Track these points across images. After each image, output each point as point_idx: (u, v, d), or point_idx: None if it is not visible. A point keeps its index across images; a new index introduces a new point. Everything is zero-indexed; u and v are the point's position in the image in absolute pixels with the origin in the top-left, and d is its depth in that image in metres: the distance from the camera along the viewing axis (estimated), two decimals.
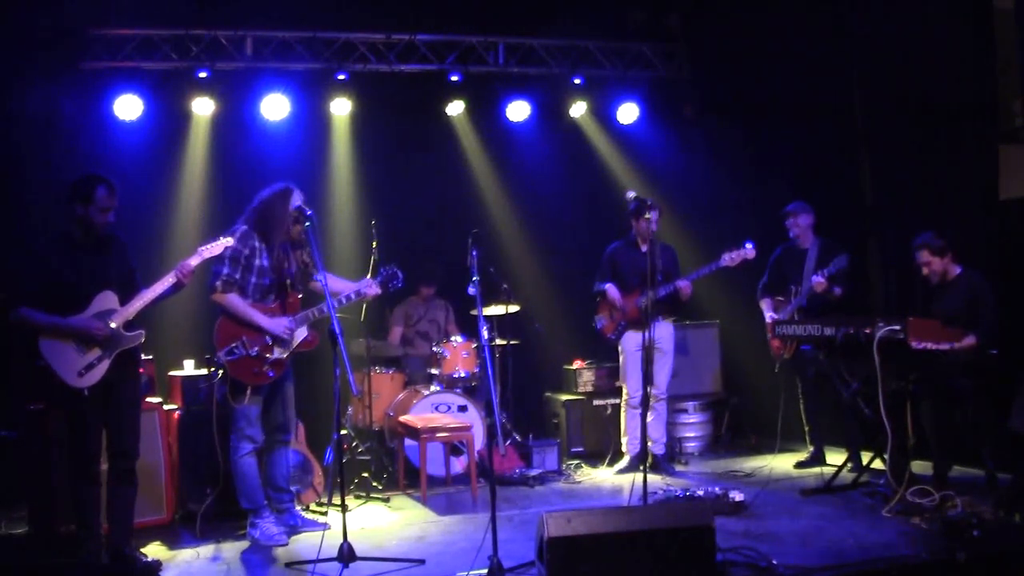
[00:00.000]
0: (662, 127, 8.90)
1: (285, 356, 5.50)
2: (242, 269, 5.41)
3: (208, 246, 5.10)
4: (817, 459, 7.11)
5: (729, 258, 6.91)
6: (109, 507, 4.97)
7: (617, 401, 7.68)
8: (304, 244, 5.59)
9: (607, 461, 7.58)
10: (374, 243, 6.93)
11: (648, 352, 6.24)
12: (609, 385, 8.04)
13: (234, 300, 5.39)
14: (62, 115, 7.16)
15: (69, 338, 4.72)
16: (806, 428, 7.28)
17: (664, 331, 7.20)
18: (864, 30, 7.47)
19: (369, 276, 6.93)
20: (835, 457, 6.99)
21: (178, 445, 6.08)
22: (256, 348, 5.41)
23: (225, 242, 5.17)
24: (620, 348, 7.33)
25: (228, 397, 5.42)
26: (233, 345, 5.36)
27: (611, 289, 7.25)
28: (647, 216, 6.70)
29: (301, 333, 5.54)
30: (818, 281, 6.72)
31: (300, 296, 5.65)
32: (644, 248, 7.15)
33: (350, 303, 5.77)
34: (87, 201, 4.78)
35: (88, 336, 4.73)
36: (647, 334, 6.11)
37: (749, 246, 6.88)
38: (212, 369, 5.54)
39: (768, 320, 7.18)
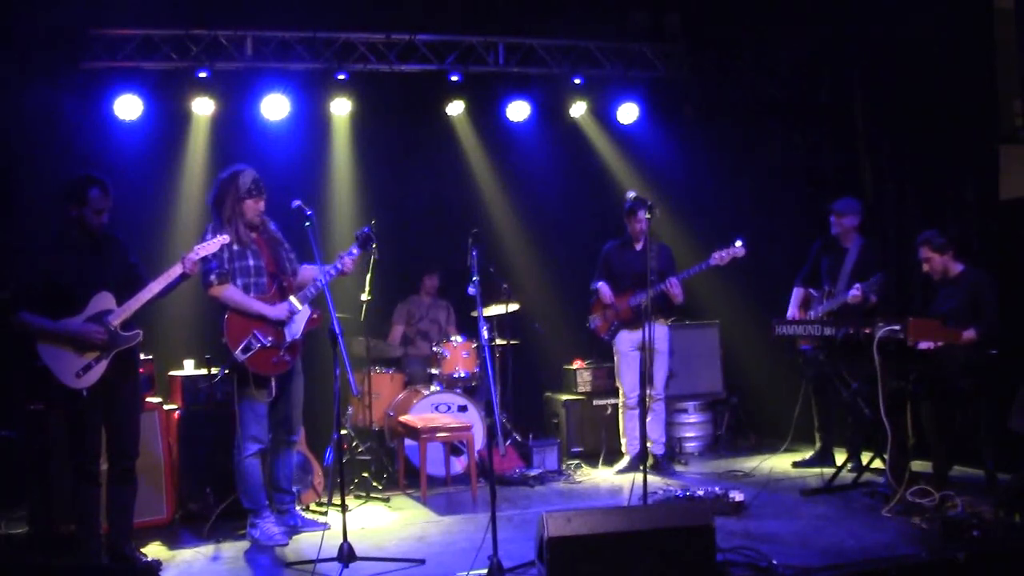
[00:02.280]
0: (662, 127, 8.90)
1: (298, 338, 5.50)
2: (227, 259, 5.41)
3: (204, 244, 5.10)
4: (823, 456, 7.09)
5: (719, 256, 6.87)
6: (109, 507, 4.97)
7: (617, 401, 7.68)
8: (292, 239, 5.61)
9: (606, 461, 7.58)
10: (374, 243, 6.93)
11: (646, 352, 6.22)
12: (609, 385, 8.04)
13: (232, 292, 5.38)
14: (62, 115, 7.15)
15: (66, 342, 4.71)
16: (816, 423, 7.25)
17: (658, 331, 7.17)
18: (864, 30, 7.47)
19: (367, 288, 6.97)
20: (837, 456, 6.99)
21: (178, 445, 6.08)
22: (270, 338, 5.40)
23: (221, 240, 5.17)
24: (615, 349, 7.33)
25: (252, 393, 5.40)
26: (247, 340, 5.34)
27: (603, 288, 7.25)
28: (641, 215, 6.76)
29: (305, 312, 5.54)
30: (854, 295, 6.47)
31: (295, 280, 5.64)
32: (638, 247, 7.19)
33: (341, 274, 5.65)
34: (81, 203, 4.78)
35: (87, 341, 4.73)
36: (645, 334, 6.10)
37: (739, 244, 6.83)
38: (218, 369, 5.53)
39: (788, 317, 7.04)
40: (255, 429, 5.48)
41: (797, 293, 7.15)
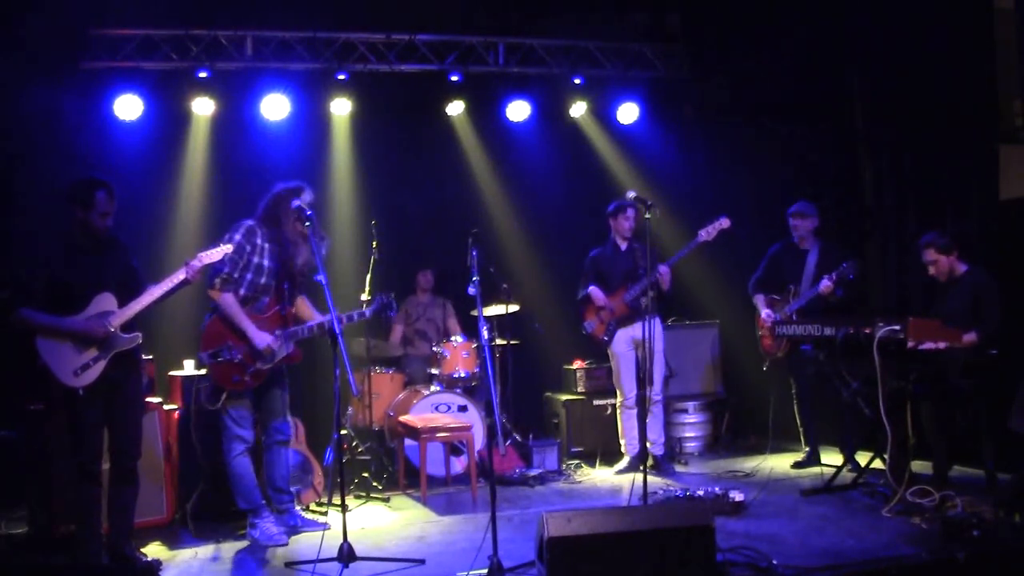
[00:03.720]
0: (662, 127, 8.91)
1: (266, 368, 5.46)
2: (241, 267, 5.40)
3: (208, 252, 5.10)
4: (812, 460, 7.11)
5: (705, 232, 6.92)
6: (109, 507, 4.97)
7: (616, 401, 7.68)
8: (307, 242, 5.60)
9: (606, 461, 7.58)
10: (374, 243, 6.95)
11: (644, 350, 6.21)
12: (609, 385, 8.00)
13: (229, 300, 5.37)
14: (62, 115, 7.16)
15: (66, 338, 4.71)
16: (800, 429, 7.28)
17: (654, 328, 7.15)
18: (864, 30, 7.47)
19: (367, 288, 6.97)
20: (833, 457, 6.99)
21: (178, 445, 6.08)
22: (240, 355, 5.38)
23: (224, 249, 5.16)
24: (610, 351, 7.32)
25: (208, 397, 5.45)
26: (218, 348, 5.34)
27: (594, 291, 7.25)
28: (630, 213, 6.84)
29: (285, 348, 5.51)
30: (826, 285, 6.65)
31: (292, 310, 5.61)
32: (623, 247, 7.21)
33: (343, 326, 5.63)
34: (87, 206, 4.76)
35: (88, 336, 4.72)
36: (644, 331, 6.10)
37: (723, 218, 6.89)
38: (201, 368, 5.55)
39: (764, 317, 7.15)
40: (237, 429, 5.50)
41: (762, 300, 7.24)
